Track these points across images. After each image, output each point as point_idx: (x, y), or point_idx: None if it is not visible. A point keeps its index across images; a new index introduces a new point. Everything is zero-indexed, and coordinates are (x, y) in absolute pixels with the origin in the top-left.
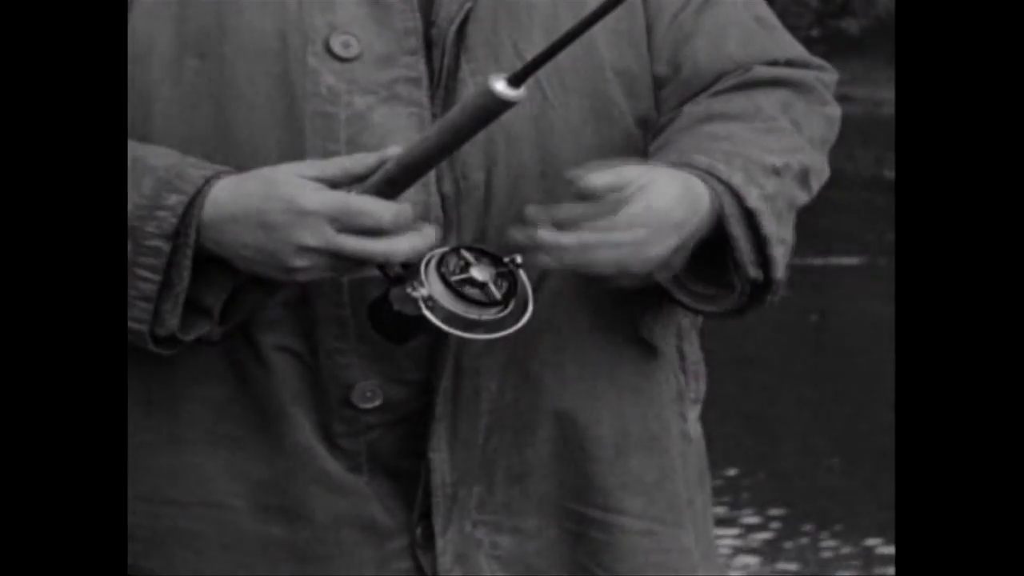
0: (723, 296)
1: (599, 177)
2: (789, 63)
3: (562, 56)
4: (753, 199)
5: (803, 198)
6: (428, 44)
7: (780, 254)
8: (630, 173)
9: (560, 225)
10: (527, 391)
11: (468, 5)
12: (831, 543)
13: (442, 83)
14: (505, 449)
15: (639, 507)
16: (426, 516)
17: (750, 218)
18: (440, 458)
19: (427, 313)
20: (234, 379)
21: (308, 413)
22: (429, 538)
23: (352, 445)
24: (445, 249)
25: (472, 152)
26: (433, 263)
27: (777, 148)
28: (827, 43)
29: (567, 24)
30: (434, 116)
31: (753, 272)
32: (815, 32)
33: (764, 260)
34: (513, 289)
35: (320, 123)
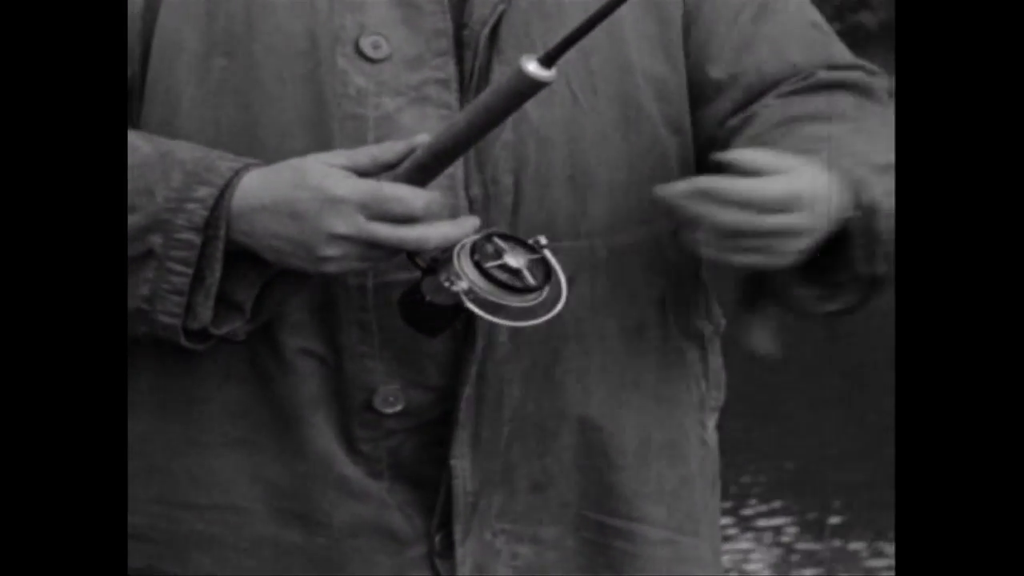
0: (828, 297)
1: (756, 157)
2: (850, 67)
3: (593, 60)
4: (875, 194)
5: None
6: (459, 46)
7: (891, 252)
8: (788, 160)
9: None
10: (550, 398)
11: (501, 7)
12: (844, 541)
13: (473, 85)
14: (527, 456)
15: (661, 516)
16: (445, 524)
17: (869, 214)
18: (462, 465)
19: (465, 301)
20: (255, 382)
21: (329, 417)
22: (448, 547)
23: (373, 451)
24: (476, 237)
25: (502, 155)
26: (466, 250)
27: (876, 148)
28: (846, 37)
29: (600, 29)
30: None
31: (869, 268)
32: (834, 26)
33: (875, 257)
34: (547, 275)
35: (349, 125)
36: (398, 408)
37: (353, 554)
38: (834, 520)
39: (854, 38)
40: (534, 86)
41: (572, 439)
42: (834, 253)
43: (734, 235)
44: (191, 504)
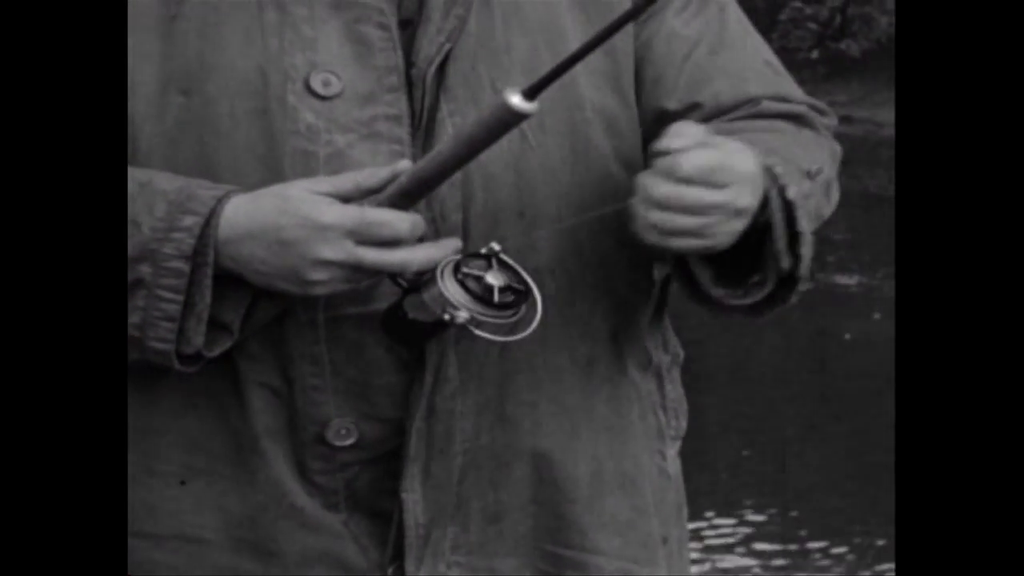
0: (747, 293)
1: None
2: (800, 103)
3: (542, 97)
4: (792, 192)
5: (827, 210)
6: (409, 83)
7: (808, 253)
8: (713, 137)
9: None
10: (503, 431)
11: (447, 46)
12: (834, 561)
13: (423, 123)
14: (480, 489)
15: (615, 547)
16: (399, 556)
17: (788, 210)
18: (412, 499)
19: (473, 330)
20: (212, 413)
21: (283, 449)
22: None
23: (328, 483)
24: (457, 257)
25: (449, 193)
26: (449, 272)
27: (807, 157)
28: (828, 65)
29: (547, 65)
30: (414, 154)
31: (786, 262)
32: (815, 54)
33: (794, 257)
34: (526, 292)
35: (299, 161)
36: (350, 441)
37: None
38: (823, 541)
39: (835, 66)
40: (517, 118)
41: (525, 472)
42: (750, 250)
43: (666, 209)
44: (148, 533)
